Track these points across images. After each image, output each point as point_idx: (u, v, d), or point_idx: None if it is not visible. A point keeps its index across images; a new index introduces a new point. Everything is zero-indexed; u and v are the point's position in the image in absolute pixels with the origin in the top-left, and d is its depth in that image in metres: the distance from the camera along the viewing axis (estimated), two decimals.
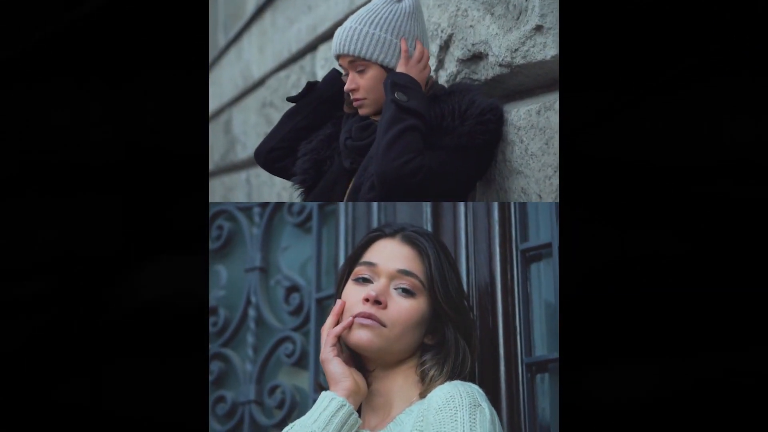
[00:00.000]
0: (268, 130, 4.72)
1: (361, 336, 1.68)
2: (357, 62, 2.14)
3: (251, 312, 2.51)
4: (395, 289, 1.72)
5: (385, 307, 1.69)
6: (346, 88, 2.18)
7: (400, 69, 2.12)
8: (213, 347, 2.52)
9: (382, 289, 1.71)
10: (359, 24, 2.15)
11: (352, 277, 1.76)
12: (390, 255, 1.75)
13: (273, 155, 2.36)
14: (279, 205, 2.57)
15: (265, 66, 4.99)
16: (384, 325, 1.68)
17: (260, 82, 5.14)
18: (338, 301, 1.75)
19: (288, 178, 2.34)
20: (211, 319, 2.53)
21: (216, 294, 2.59)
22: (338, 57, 2.19)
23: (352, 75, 2.16)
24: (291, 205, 2.52)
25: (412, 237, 1.77)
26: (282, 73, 4.59)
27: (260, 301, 2.50)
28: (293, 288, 2.45)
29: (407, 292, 1.72)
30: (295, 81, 4.32)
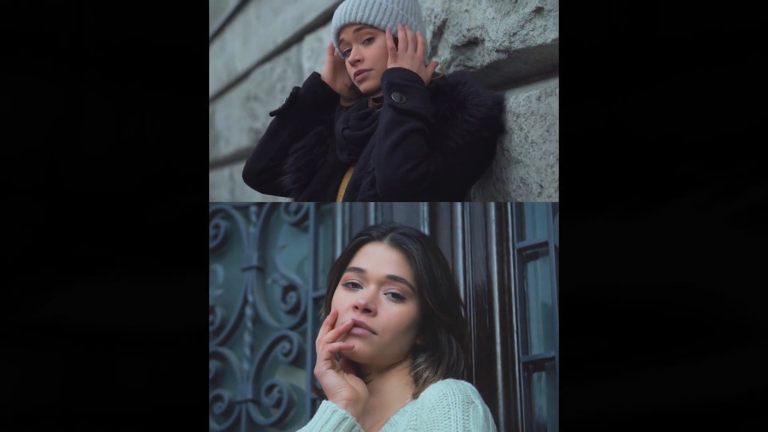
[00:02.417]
0: (252, 124, 4.71)
1: (353, 346, 1.69)
2: (364, 31, 2.10)
3: (248, 311, 2.51)
4: (384, 294, 1.72)
5: (375, 314, 1.69)
6: (350, 59, 2.12)
7: (390, 63, 2.07)
8: (210, 346, 2.52)
9: (371, 296, 1.70)
10: None
11: (341, 282, 1.76)
12: (378, 260, 1.74)
13: (266, 176, 2.27)
14: (276, 205, 2.57)
15: (250, 59, 4.92)
16: (375, 333, 1.69)
17: (244, 76, 5.07)
18: (330, 312, 1.74)
19: (281, 195, 2.29)
20: (208, 318, 2.53)
21: (213, 293, 2.59)
22: (341, 30, 2.13)
23: (356, 47, 2.11)
24: (288, 204, 2.51)
25: (400, 240, 1.76)
26: (267, 66, 4.53)
27: (257, 300, 2.51)
28: (290, 287, 2.45)
29: (397, 297, 1.71)
30: (280, 73, 4.27)
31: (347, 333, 1.68)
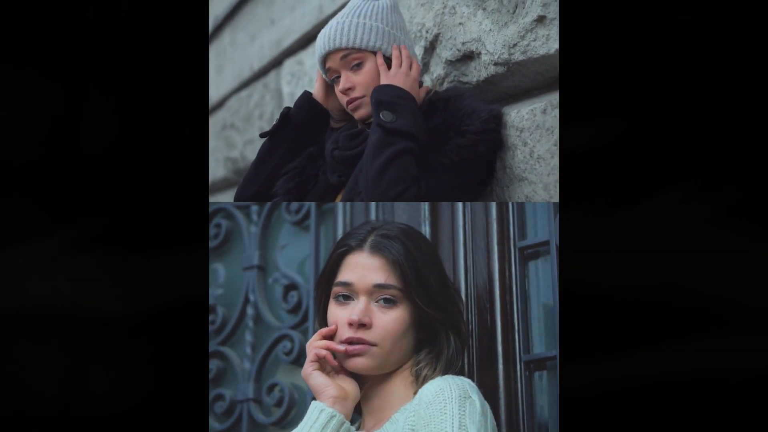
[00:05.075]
0: (229, 154, 4.62)
1: (356, 362, 1.69)
2: (351, 56, 2.02)
3: (249, 310, 2.51)
4: (376, 302, 1.70)
5: (371, 327, 1.69)
6: (340, 88, 2.04)
7: (382, 80, 2.00)
8: (211, 345, 2.52)
9: (363, 310, 1.69)
10: (347, 18, 2.04)
11: (332, 296, 1.75)
12: (362, 270, 1.71)
13: (259, 199, 2.21)
14: (277, 204, 2.57)
15: (225, 87, 4.75)
16: (374, 345, 1.68)
17: (219, 104, 4.88)
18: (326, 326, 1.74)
19: None
20: (209, 318, 2.54)
21: (214, 292, 2.59)
22: (326, 57, 2.05)
23: (345, 74, 2.03)
24: (288, 203, 2.51)
25: (380, 245, 1.72)
26: (243, 93, 4.38)
27: (258, 299, 2.51)
28: (291, 286, 2.45)
29: (389, 302, 1.70)
30: (258, 100, 4.13)
31: (344, 355, 1.69)
